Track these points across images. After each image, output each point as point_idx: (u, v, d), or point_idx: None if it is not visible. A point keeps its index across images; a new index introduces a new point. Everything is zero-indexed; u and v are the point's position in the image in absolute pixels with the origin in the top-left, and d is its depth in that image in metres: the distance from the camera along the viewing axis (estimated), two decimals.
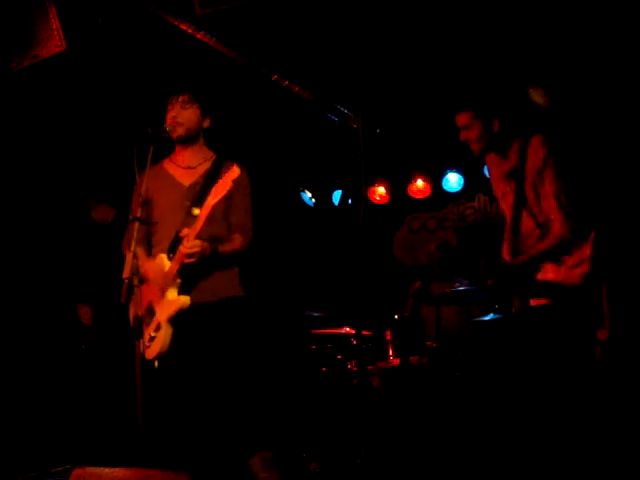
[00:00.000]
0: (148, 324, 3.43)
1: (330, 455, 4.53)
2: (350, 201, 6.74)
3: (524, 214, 3.41)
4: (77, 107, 5.67)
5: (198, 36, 4.86)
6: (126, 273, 3.05)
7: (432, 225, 6.99)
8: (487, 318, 4.94)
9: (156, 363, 3.41)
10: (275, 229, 6.52)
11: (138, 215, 3.23)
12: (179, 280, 3.37)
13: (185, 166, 3.63)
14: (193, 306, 3.38)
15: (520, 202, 3.36)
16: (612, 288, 3.74)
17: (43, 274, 5.73)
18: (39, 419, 5.50)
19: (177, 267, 3.34)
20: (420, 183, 6.71)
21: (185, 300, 3.36)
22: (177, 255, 3.34)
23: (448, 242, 6.10)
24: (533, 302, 3.51)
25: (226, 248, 3.48)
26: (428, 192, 6.73)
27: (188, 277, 3.38)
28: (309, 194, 6.95)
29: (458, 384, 4.66)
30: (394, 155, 6.56)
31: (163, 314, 3.37)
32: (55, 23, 4.78)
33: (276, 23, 4.89)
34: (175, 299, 3.35)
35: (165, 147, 3.61)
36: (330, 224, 6.74)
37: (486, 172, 6.48)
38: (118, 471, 2.70)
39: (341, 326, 4.95)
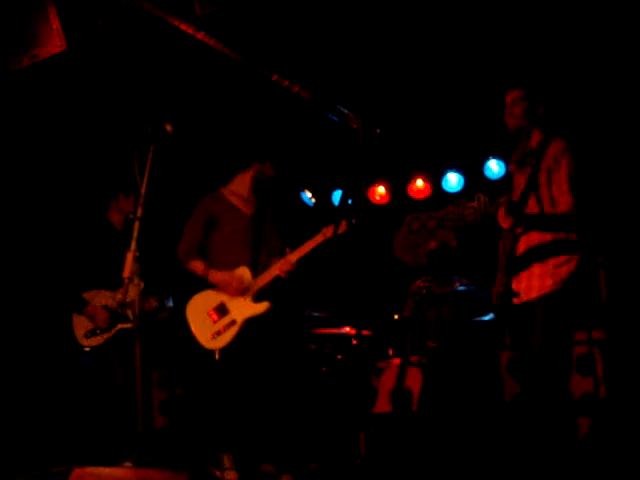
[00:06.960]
0: (216, 321, 3.89)
1: (330, 455, 4.53)
2: (350, 201, 6.72)
3: (532, 200, 3.45)
4: (77, 107, 5.67)
5: (198, 36, 4.86)
6: (126, 272, 3.10)
7: (432, 225, 6.97)
8: (487, 318, 4.95)
9: (217, 354, 3.87)
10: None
11: (139, 215, 3.25)
12: (262, 289, 3.89)
13: (240, 195, 4.38)
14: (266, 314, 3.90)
15: (532, 186, 3.43)
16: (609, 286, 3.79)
17: (46, 273, 5.73)
18: (39, 419, 5.50)
19: (270, 279, 3.90)
20: (420, 183, 6.70)
21: (267, 305, 3.88)
22: (270, 270, 3.93)
23: (446, 243, 6.08)
24: (516, 301, 3.54)
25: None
26: (428, 192, 6.72)
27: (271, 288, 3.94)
28: (309, 194, 6.94)
29: (458, 384, 4.67)
30: (394, 155, 6.55)
31: (241, 314, 3.86)
32: (55, 23, 4.79)
33: (276, 23, 4.89)
34: (259, 304, 3.88)
35: (165, 147, 3.61)
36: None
37: (486, 172, 6.45)
38: (118, 471, 2.71)
39: (341, 326, 4.94)
